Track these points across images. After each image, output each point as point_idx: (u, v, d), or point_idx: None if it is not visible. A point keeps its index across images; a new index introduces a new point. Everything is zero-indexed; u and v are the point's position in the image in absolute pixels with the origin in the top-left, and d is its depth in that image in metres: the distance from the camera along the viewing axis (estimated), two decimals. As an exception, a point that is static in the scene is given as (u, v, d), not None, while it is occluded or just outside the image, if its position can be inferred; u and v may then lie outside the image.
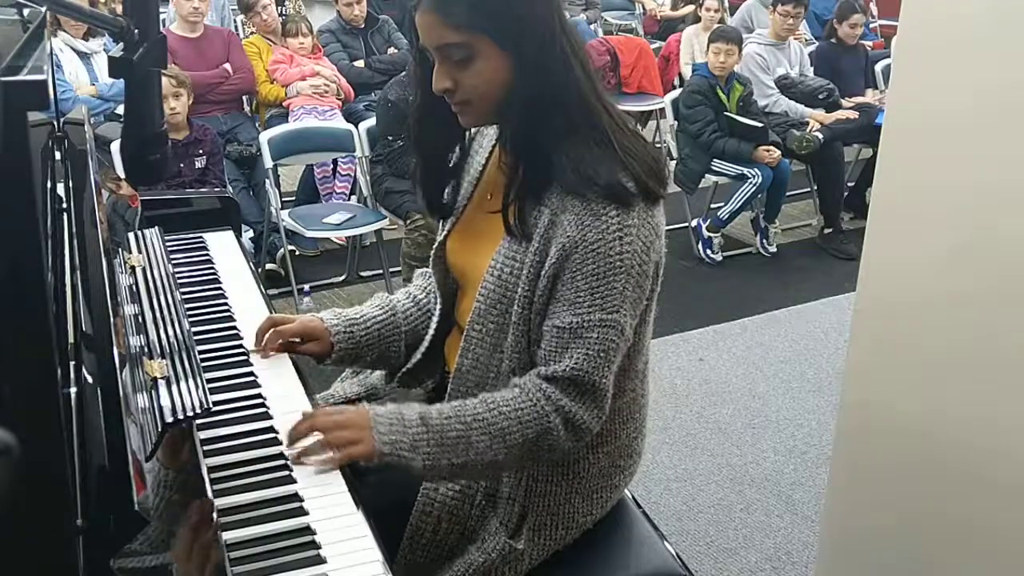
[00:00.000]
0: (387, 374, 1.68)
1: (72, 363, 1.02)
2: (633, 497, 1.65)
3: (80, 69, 4.34)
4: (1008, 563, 1.71)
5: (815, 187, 5.00)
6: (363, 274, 4.31)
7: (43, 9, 1.57)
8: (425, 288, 1.68)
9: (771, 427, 3.13)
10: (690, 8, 7.32)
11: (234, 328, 1.66)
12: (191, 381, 1.24)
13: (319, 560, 1.15)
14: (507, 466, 1.40)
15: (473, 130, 1.53)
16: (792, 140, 4.72)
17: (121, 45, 1.51)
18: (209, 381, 1.37)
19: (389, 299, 1.67)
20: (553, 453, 1.40)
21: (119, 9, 2.47)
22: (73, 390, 0.98)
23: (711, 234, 4.61)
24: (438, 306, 1.59)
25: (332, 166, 4.61)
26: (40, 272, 1.03)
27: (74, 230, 1.28)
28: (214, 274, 1.87)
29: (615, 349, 1.36)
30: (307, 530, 1.19)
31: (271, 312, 1.71)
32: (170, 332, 1.36)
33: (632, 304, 1.35)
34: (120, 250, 1.56)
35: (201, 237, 2.04)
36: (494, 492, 1.48)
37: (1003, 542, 1.72)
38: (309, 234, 4.02)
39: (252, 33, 5.13)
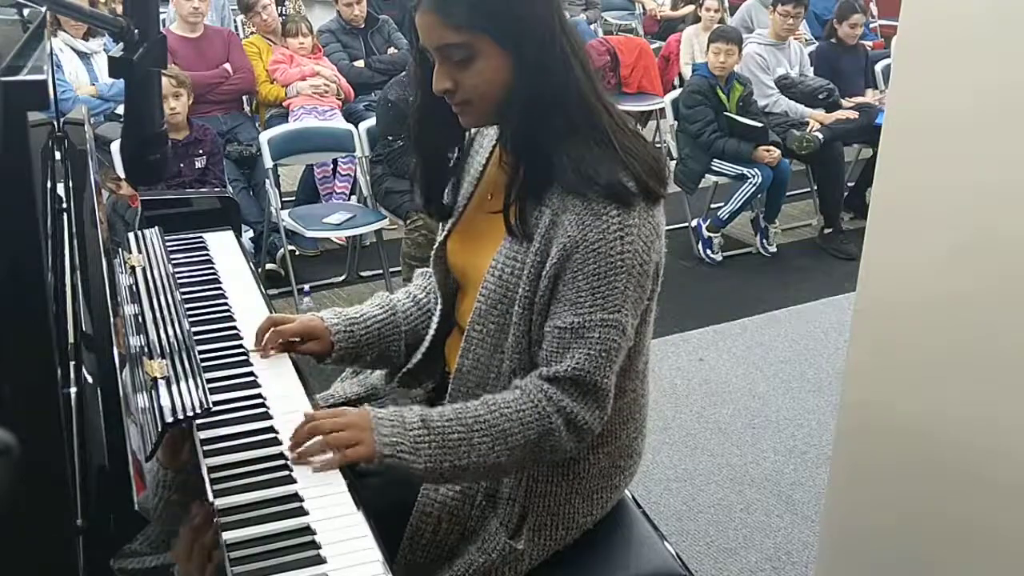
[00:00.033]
0: (387, 374, 1.68)
1: (72, 363, 1.02)
2: (633, 497, 1.65)
3: (80, 69, 4.34)
4: (1008, 563, 1.71)
5: (815, 187, 5.00)
6: (363, 274, 4.31)
7: (43, 9, 1.57)
8: (425, 288, 1.68)
9: (771, 427, 3.13)
10: (690, 8, 7.32)
11: (234, 328, 1.66)
12: (191, 381, 1.24)
13: (319, 560, 1.15)
14: (509, 467, 1.40)
15: (473, 130, 1.53)
16: (792, 140, 4.72)
17: (121, 45, 1.51)
18: (209, 381, 1.37)
19: (389, 298, 1.67)
20: (555, 454, 1.39)
21: (119, 9, 2.47)
22: (73, 390, 0.98)
23: (711, 234, 4.61)
24: (438, 306, 1.59)
25: (332, 166, 4.61)
26: (40, 272, 1.03)
27: (74, 230, 1.28)
28: (214, 274, 1.87)
29: (617, 349, 1.35)
30: (307, 530, 1.19)
31: (271, 312, 1.71)
32: (170, 332, 1.36)
33: (633, 304, 1.35)
34: (120, 250, 1.56)
35: (201, 237, 2.04)
36: (494, 492, 1.48)
37: (1003, 542, 1.72)
38: (309, 234, 4.02)
39: (252, 33, 5.13)
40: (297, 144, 4.07)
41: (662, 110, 5.31)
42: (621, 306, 1.33)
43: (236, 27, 5.82)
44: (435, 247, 1.56)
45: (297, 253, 4.35)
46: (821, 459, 2.87)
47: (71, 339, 1.05)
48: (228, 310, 1.72)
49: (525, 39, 1.31)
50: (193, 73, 4.16)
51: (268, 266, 4.14)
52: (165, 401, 1.18)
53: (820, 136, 4.75)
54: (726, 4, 6.43)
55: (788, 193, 4.79)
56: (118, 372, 1.11)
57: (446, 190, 1.55)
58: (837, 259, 4.63)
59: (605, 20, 7.44)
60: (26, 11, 1.57)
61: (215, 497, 1.21)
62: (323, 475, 1.29)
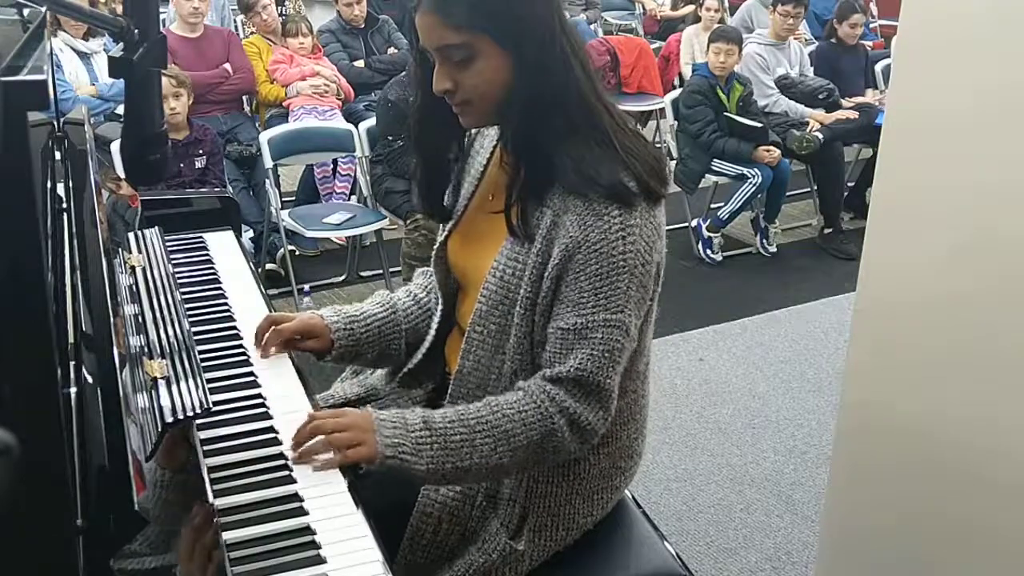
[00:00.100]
0: (388, 373, 1.67)
1: (72, 363, 1.02)
2: (633, 497, 1.65)
3: (80, 69, 4.34)
4: (1008, 563, 1.71)
5: (815, 187, 5.00)
6: (363, 274, 4.31)
7: (43, 9, 1.57)
8: (426, 287, 1.67)
9: (771, 427, 3.13)
10: (690, 8, 7.32)
11: (234, 328, 1.66)
12: (191, 381, 1.24)
13: (319, 560, 1.15)
14: (511, 468, 1.39)
15: (473, 130, 1.53)
16: (792, 140, 4.73)
17: (121, 45, 1.51)
18: (209, 381, 1.37)
19: (390, 297, 1.67)
20: (558, 455, 1.39)
21: (119, 9, 2.47)
22: (73, 390, 0.98)
23: (711, 234, 4.61)
24: (439, 307, 1.59)
25: (332, 166, 4.61)
26: (40, 272, 1.03)
27: (74, 230, 1.28)
28: (214, 274, 1.87)
29: (620, 349, 1.35)
30: (307, 530, 1.19)
31: (271, 312, 1.71)
32: (170, 332, 1.36)
33: (636, 304, 1.35)
34: (120, 250, 1.56)
35: (201, 237, 2.04)
36: (495, 493, 1.48)
37: (1003, 542, 1.72)
38: (309, 234, 4.02)
39: (252, 33, 5.14)
40: (297, 144, 4.07)
41: (662, 110, 5.31)
42: (624, 306, 1.33)
43: (236, 27, 5.83)
44: (436, 247, 1.56)
45: (297, 253, 4.35)
46: (821, 459, 2.87)
47: (71, 339, 1.05)
48: (228, 310, 1.72)
49: (525, 39, 1.31)
50: (193, 73, 4.16)
51: (268, 266, 4.14)
52: (165, 401, 1.18)
53: (820, 136, 4.75)
54: (726, 4, 6.43)
55: (788, 193, 4.79)
56: (118, 372, 1.11)
57: (446, 191, 1.55)
58: (837, 259, 4.63)
59: (605, 20, 7.44)
60: (26, 11, 1.57)
61: (215, 497, 1.21)
62: (323, 475, 1.29)
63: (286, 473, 1.29)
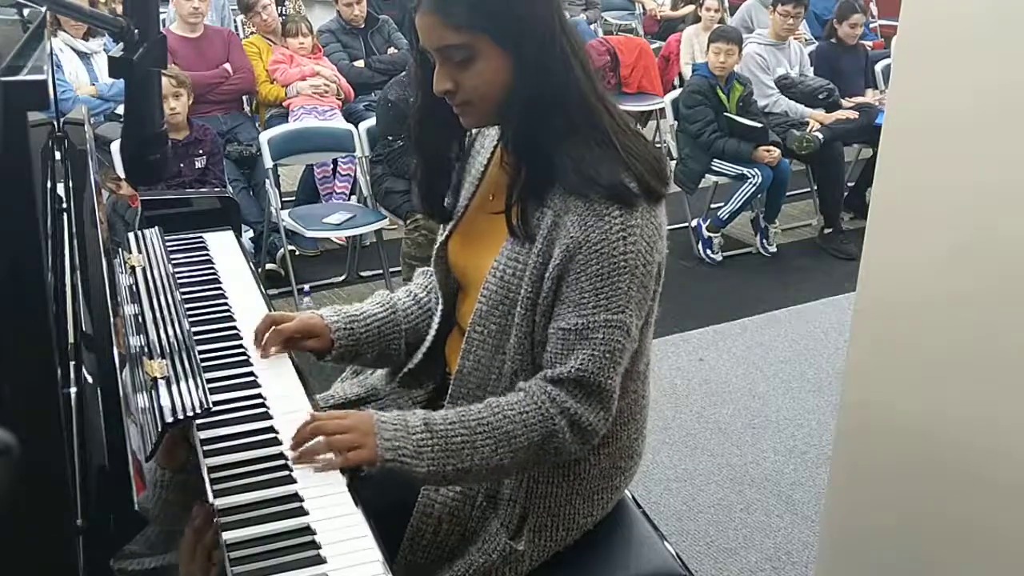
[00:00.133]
0: (388, 374, 1.67)
1: (72, 363, 1.02)
2: (633, 497, 1.65)
3: (80, 69, 4.34)
4: (1008, 563, 1.71)
5: (815, 187, 5.00)
6: (363, 274, 4.31)
7: (43, 9, 1.57)
8: (426, 287, 1.67)
9: (771, 427, 3.13)
10: (690, 8, 7.32)
11: (234, 328, 1.66)
12: (191, 381, 1.24)
13: (319, 560, 1.15)
14: (512, 470, 1.40)
15: (474, 131, 1.53)
16: (792, 140, 4.73)
17: (121, 45, 1.51)
18: (209, 381, 1.37)
19: (390, 296, 1.67)
20: (559, 456, 1.39)
21: (119, 9, 2.47)
22: (73, 390, 0.98)
23: (711, 234, 4.61)
24: (439, 306, 1.59)
25: (332, 166, 4.61)
26: (40, 272, 1.03)
27: (74, 230, 1.28)
28: (214, 274, 1.87)
29: (621, 350, 1.35)
30: (307, 530, 1.19)
31: (271, 312, 1.71)
32: (170, 332, 1.36)
33: (637, 304, 1.35)
34: (120, 250, 1.56)
35: (201, 237, 2.04)
36: (495, 493, 1.48)
37: (1003, 542, 1.72)
38: (309, 234, 4.02)
39: (252, 33, 5.14)
40: (297, 144, 4.07)
41: (662, 110, 5.31)
42: (625, 307, 1.33)
43: (236, 27, 5.83)
44: (436, 247, 1.56)
45: (297, 253, 4.35)
46: (821, 459, 2.87)
47: (71, 339, 1.05)
48: (228, 310, 1.72)
49: (525, 39, 1.30)
50: (193, 73, 4.16)
51: (268, 266, 4.14)
52: (165, 401, 1.18)
53: (820, 136, 4.75)
54: (726, 4, 6.43)
55: (788, 193, 4.79)
56: (118, 372, 1.11)
57: (447, 192, 1.55)
58: (837, 259, 4.63)
59: (605, 20, 7.44)
60: (26, 11, 1.57)
61: (215, 497, 1.21)
62: (323, 475, 1.29)
63: (286, 473, 1.29)
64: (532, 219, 1.37)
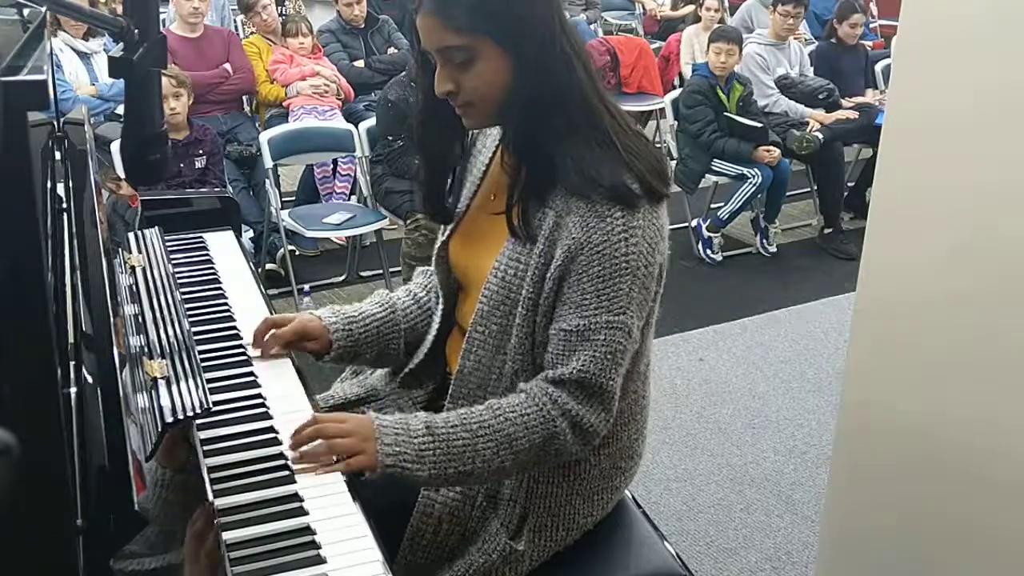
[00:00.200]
0: (388, 373, 1.67)
1: (72, 363, 1.02)
2: (633, 497, 1.65)
3: (80, 69, 4.33)
4: (1008, 563, 1.71)
5: (815, 187, 5.00)
6: (363, 274, 4.31)
7: (43, 9, 1.57)
8: (426, 286, 1.67)
9: (771, 427, 3.13)
10: (690, 8, 7.32)
11: (234, 328, 1.66)
12: (191, 381, 1.24)
13: (319, 560, 1.15)
14: (513, 471, 1.40)
15: (475, 130, 1.53)
16: (792, 140, 4.72)
17: (121, 45, 1.51)
18: (209, 381, 1.37)
19: (389, 296, 1.66)
20: (560, 457, 1.39)
21: (119, 9, 2.47)
22: (73, 390, 0.98)
23: (711, 234, 4.61)
24: (440, 306, 1.59)
25: (332, 166, 4.61)
26: (40, 272, 1.03)
27: (74, 230, 1.28)
28: (214, 274, 1.87)
29: (622, 351, 1.35)
30: (307, 530, 1.19)
31: (271, 312, 1.71)
32: (170, 332, 1.36)
33: (639, 305, 1.35)
34: (120, 250, 1.56)
35: (201, 237, 2.04)
36: (495, 493, 1.48)
37: (1003, 542, 1.72)
38: (309, 234, 4.02)
39: (252, 33, 5.13)
40: (297, 144, 4.07)
41: (662, 110, 5.31)
42: (626, 308, 1.33)
43: (236, 27, 5.82)
44: (437, 247, 1.56)
45: (297, 253, 4.35)
46: (821, 459, 2.87)
47: (71, 339, 1.05)
48: (228, 310, 1.72)
49: (525, 40, 1.30)
50: (193, 73, 4.16)
51: (268, 266, 4.14)
52: (165, 401, 1.18)
53: (820, 136, 4.75)
54: (726, 4, 6.43)
55: (788, 193, 4.79)
56: (118, 372, 1.11)
57: (450, 192, 1.55)
58: (837, 259, 4.63)
59: (605, 20, 7.43)
60: (26, 11, 1.57)
61: (215, 497, 1.21)
62: (323, 475, 1.29)
63: (286, 473, 1.29)
64: (533, 219, 1.37)
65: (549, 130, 1.34)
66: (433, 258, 1.57)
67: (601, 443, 1.46)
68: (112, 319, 1.20)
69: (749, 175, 4.50)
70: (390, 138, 3.81)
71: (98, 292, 1.23)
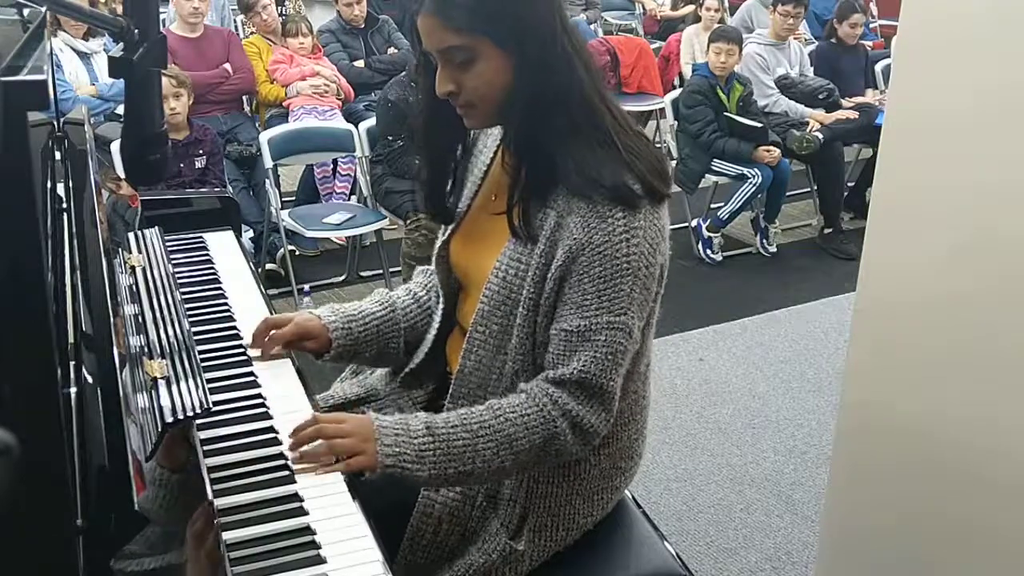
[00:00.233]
0: (388, 373, 1.67)
1: (72, 363, 1.02)
2: (633, 497, 1.65)
3: (80, 69, 4.34)
4: (1008, 563, 1.71)
5: (815, 187, 5.00)
6: (363, 274, 4.31)
7: (43, 9, 1.57)
8: (426, 285, 1.67)
9: (771, 427, 3.13)
10: (690, 8, 7.32)
11: (234, 328, 1.66)
12: (191, 381, 1.24)
13: (319, 560, 1.15)
14: (513, 471, 1.40)
15: (476, 130, 1.53)
16: (792, 140, 4.73)
17: (121, 45, 1.51)
18: (209, 381, 1.37)
19: (389, 295, 1.66)
20: (560, 457, 1.40)
21: (119, 9, 2.47)
22: (73, 390, 0.98)
23: (711, 234, 4.61)
24: (440, 306, 1.59)
25: (332, 166, 4.61)
26: (40, 272, 1.03)
27: (74, 230, 1.28)
28: (214, 274, 1.87)
29: (623, 352, 1.35)
30: (307, 530, 1.19)
31: (271, 312, 1.71)
32: (170, 332, 1.36)
33: (639, 306, 1.35)
34: (120, 250, 1.56)
35: (201, 237, 2.04)
36: (495, 493, 1.48)
37: (1003, 542, 1.72)
38: (309, 234, 4.02)
39: (252, 33, 5.13)
40: (297, 144, 4.08)
41: (662, 110, 5.31)
42: (627, 308, 1.33)
43: (236, 27, 5.82)
44: (438, 247, 1.56)
45: (297, 253, 4.35)
46: (821, 459, 2.87)
47: (71, 339, 1.05)
48: (228, 310, 1.72)
49: (526, 40, 1.30)
50: (193, 73, 4.16)
51: (268, 266, 4.14)
52: (165, 401, 1.18)
53: (820, 136, 4.75)
54: (726, 4, 6.43)
55: (788, 193, 4.79)
56: (118, 372, 1.11)
57: (451, 192, 1.55)
58: (837, 259, 4.63)
59: (605, 20, 7.43)
60: (26, 11, 1.57)
61: (215, 497, 1.21)
62: (323, 475, 1.29)
63: (286, 473, 1.29)
64: (534, 220, 1.37)
65: (550, 130, 1.34)
66: (434, 258, 1.57)
67: (601, 443, 1.46)
68: (112, 319, 1.20)
69: (749, 175, 4.50)
70: (390, 138, 3.81)
71: (98, 292, 1.23)
